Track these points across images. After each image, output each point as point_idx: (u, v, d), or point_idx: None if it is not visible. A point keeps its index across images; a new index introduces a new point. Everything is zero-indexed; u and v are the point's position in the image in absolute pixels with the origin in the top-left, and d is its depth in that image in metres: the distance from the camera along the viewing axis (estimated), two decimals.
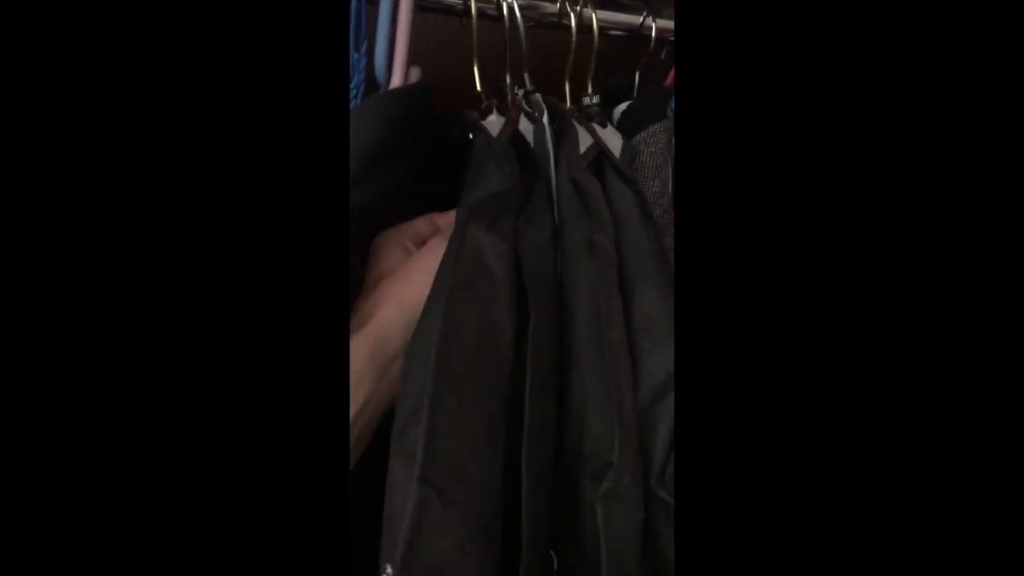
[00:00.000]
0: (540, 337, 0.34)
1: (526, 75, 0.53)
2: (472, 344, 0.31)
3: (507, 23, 0.48)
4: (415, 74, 0.47)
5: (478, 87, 0.51)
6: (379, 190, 0.41)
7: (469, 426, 0.29)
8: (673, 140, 0.49)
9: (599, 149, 0.45)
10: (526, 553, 0.30)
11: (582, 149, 0.45)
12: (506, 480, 0.30)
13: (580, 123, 0.47)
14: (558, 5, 0.50)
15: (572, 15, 0.48)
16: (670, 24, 0.51)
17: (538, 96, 0.51)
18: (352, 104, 0.44)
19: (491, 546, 0.29)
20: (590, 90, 0.52)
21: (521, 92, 0.53)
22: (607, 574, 0.29)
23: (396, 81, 0.46)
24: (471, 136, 0.45)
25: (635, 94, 0.52)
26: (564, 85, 0.53)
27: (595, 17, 0.49)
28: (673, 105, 0.50)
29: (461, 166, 0.49)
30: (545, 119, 0.47)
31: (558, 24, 0.50)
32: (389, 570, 0.25)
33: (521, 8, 0.47)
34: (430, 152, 0.48)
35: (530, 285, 0.35)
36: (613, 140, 0.48)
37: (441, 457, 0.27)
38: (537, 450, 0.31)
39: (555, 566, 0.32)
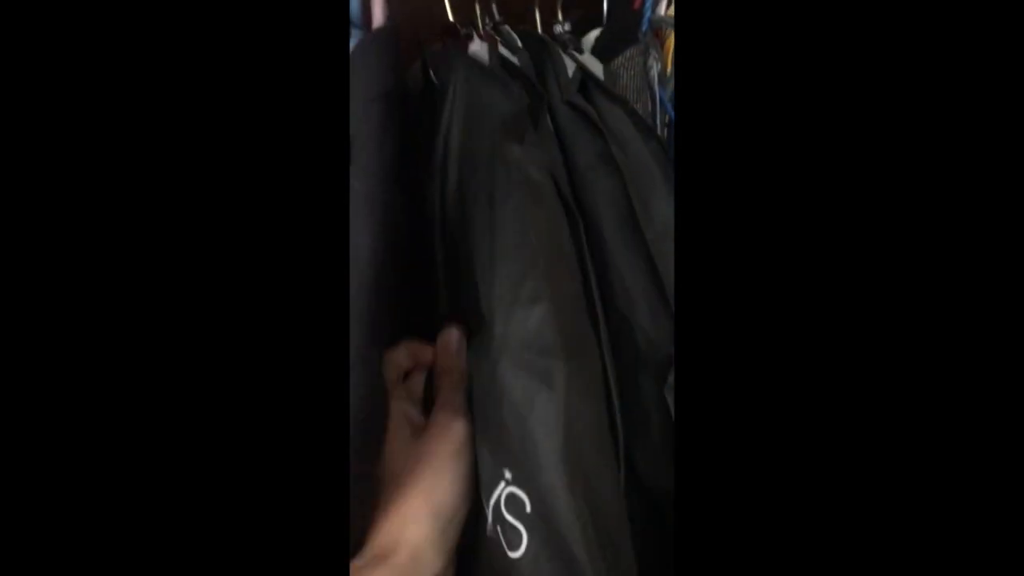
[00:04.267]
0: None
1: (494, 6, 0.53)
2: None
3: None
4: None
5: (451, 18, 0.50)
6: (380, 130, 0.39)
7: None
8: (649, 63, 0.49)
9: (583, 73, 0.45)
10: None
11: (570, 74, 0.45)
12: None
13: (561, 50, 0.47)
14: None
15: None
16: None
17: (507, 27, 0.51)
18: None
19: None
20: (560, 18, 0.52)
21: (491, 24, 0.52)
22: None
23: (377, 17, 0.44)
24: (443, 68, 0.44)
25: (604, 21, 0.52)
26: (534, 14, 0.52)
27: None
28: (644, 28, 0.51)
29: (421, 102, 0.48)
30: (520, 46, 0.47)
31: None
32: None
33: None
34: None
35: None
36: (594, 65, 0.48)
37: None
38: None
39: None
